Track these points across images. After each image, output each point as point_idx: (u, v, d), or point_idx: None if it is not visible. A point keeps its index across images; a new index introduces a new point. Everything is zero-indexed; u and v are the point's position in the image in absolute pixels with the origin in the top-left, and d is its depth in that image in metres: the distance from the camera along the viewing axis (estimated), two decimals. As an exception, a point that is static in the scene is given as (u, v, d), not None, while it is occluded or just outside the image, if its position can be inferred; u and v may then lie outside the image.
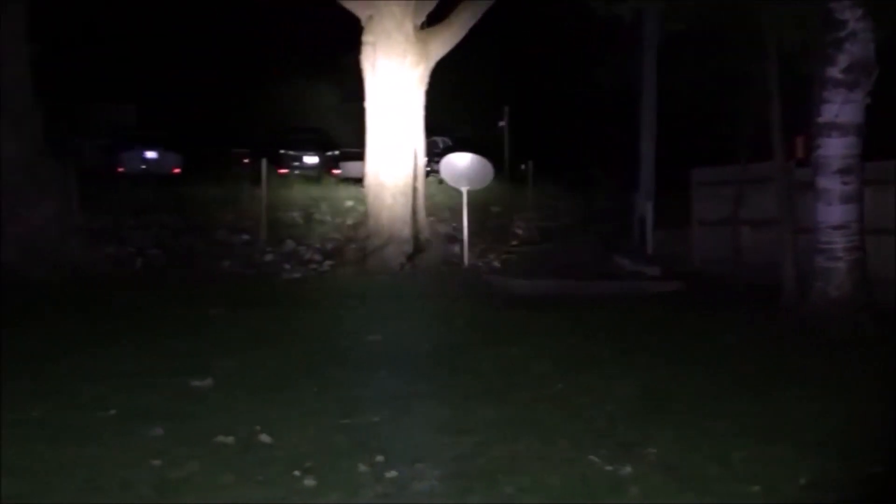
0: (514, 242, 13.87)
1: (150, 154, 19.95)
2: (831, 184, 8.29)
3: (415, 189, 12.81)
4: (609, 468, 4.39)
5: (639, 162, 14.16)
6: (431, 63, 12.95)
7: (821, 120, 8.32)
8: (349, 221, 14.14)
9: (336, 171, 22.64)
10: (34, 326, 7.53)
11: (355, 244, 12.67)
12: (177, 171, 19.93)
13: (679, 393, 5.82)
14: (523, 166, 20.97)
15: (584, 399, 5.66)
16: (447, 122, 19.37)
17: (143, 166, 18.76)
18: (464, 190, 12.70)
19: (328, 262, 12.19)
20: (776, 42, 9.11)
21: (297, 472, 4.20)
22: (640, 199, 13.97)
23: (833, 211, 8.28)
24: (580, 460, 4.48)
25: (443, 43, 13.11)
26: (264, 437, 4.72)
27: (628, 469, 4.37)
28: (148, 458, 4.34)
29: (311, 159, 23.10)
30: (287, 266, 11.84)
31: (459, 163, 12.94)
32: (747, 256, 11.21)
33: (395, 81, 12.42)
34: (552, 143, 19.75)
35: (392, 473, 4.23)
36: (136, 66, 36.03)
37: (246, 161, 25.66)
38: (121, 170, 19.16)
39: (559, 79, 20.04)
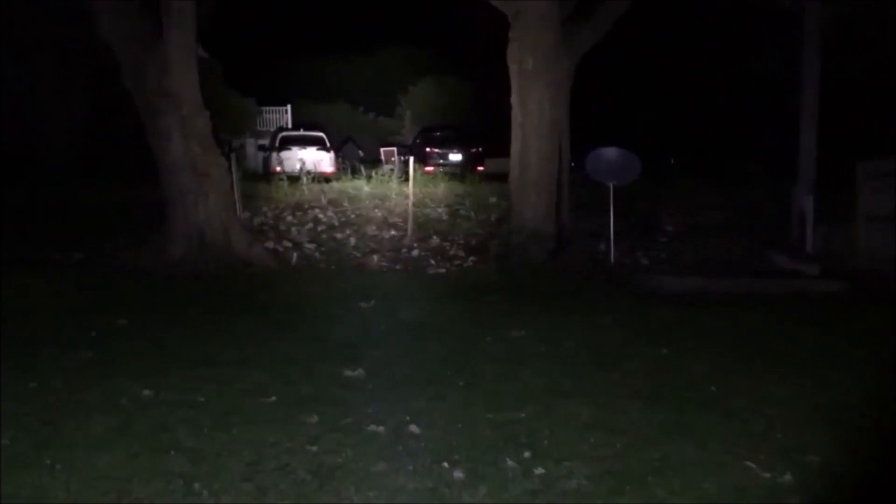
0: (663, 239, 13.46)
1: (305, 154, 20.79)
2: None
3: (559, 185, 12.69)
4: (767, 475, 4.20)
5: (797, 153, 13.36)
6: (577, 57, 12.80)
7: None
8: (493, 217, 14.20)
9: (480, 168, 22.86)
10: (203, 318, 8.01)
11: (498, 240, 12.70)
12: (330, 170, 20.67)
13: (843, 400, 5.47)
14: (672, 161, 20.38)
15: (739, 402, 5.43)
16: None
17: (297, 166, 19.59)
18: (610, 185, 12.46)
19: (472, 258, 12.28)
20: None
21: (445, 464, 4.28)
22: (800, 193, 13.19)
23: None
24: (735, 466, 4.32)
25: (589, 37, 12.91)
26: (413, 428, 4.83)
27: (788, 477, 4.16)
28: (305, 443, 4.55)
29: (455, 157, 23.43)
30: (432, 262, 12.03)
31: (605, 157, 12.70)
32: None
33: (541, 77, 12.34)
34: (702, 135, 19.02)
35: (540, 470, 4.23)
36: (290, 69, 37.82)
37: (393, 159, 26.41)
38: (277, 169, 20.09)
39: (709, 69, 19.26)
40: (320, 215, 14.03)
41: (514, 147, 12.79)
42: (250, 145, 28.32)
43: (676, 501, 3.87)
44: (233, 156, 13.56)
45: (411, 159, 14.58)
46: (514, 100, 12.84)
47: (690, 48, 19.14)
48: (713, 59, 18.62)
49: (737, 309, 8.85)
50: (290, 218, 13.87)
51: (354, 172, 18.44)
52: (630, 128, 16.84)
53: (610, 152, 12.90)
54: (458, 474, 4.17)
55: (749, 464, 4.33)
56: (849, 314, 8.74)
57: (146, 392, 5.39)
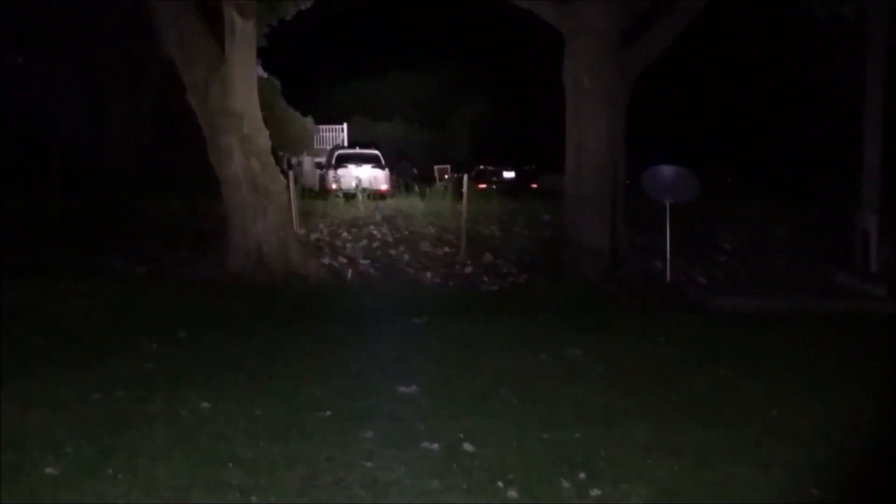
0: (721, 257, 13.22)
1: (361, 172, 21.05)
2: None
3: (614, 202, 12.58)
4: (832, 502, 4.07)
5: (862, 170, 13.01)
6: (635, 74, 12.71)
7: None
8: (546, 235, 14.14)
9: (533, 185, 22.86)
10: (261, 331, 8.13)
11: (552, 257, 12.63)
12: (385, 188, 20.89)
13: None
14: (729, 178, 20.04)
15: (802, 426, 5.29)
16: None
17: (353, 184, 19.86)
18: (667, 203, 12.30)
19: (525, 275, 12.23)
20: None
21: (500, 483, 4.25)
22: (864, 212, 12.82)
23: None
24: (800, 491, 4.20)
25: (647, 54, 12.82)
26: (467, 446, 4.81)
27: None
28: (360, 459, 4.56)
29: (508, 174, 23.49)
30: (485, 279, 12.01)
31: (664, 175, 12.53)
32: None
33: (596, 94, 12.29)
34: (763, 150, 18.67)
35: (596, 492, 4.17)
36: (347, 88, 38.38)
37: (447, 177, 26.58)
38: (333, 187, 20.37)
39: (771, 82, 18.92)
40: (375, 232, 14.16)
41: (569, 164, 12.73)
42: (307, 163, 28.82)
43: (737, 526, 3.77)
44: (291, 173, 13.79)
45: (465, 177, 14.63)
46: (568, 117, 12.80)
47: (753, 61, 18.84)
48: (775, 71, 18.29)
49: (798, 329, 8.63)
50: (345, 234, 14.03)
51: (408, 189, 18.58)
52: (689, 142, 16.62)
53: (668, 171, 12.72)
54: (513, 494, 4.14)
55: (813, 490, 4.20)
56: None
57: (205, 404, 5.48)
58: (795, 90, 17.25)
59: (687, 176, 12.65)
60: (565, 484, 4.25)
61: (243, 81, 11.85)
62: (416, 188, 18.40)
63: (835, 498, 4.10)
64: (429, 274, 12.11)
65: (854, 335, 8.39)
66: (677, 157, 13.60)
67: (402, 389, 6.02)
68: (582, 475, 4.37)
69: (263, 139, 12.07)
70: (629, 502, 4.03)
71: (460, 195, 15.20)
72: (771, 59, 17.96)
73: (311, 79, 34.77)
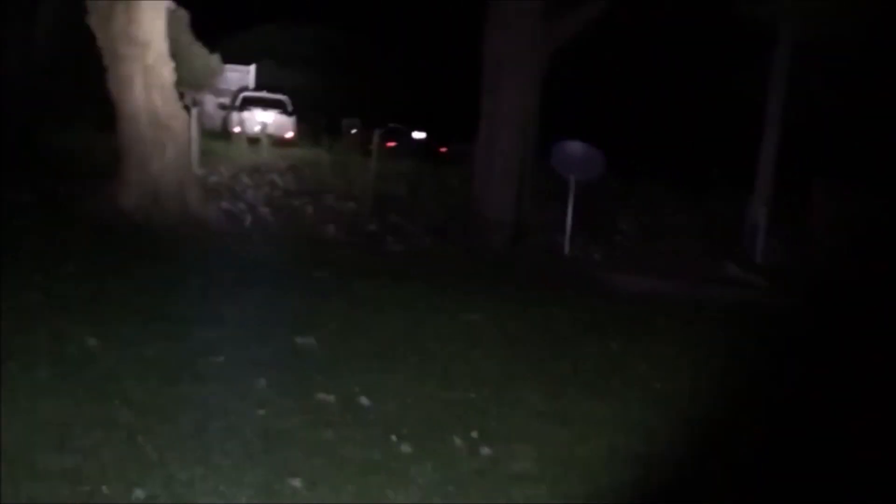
0: (618, 237, 13.61)
1: (266, 117, 20.49)
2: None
3: (523, 175, 12.73)
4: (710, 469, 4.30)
5: (758, 164, 13.64)
6: (551, 49, 12.80)
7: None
8: (453, 201, 14.18)
9: (442, 150, 22.86)
10: (153, 271, 7.85)
11: (458, 223, 12.69)
12: (290, 136, 20.43)
13: (779, 407, 5.62)
14: (633, 163, 20.59)
15: (682, 401, 5.54)
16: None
17: (256, 128, 19.34)
18: (572, 179, 12.54)
19: (430, 239, 12.25)
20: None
21: (394, 437, 4.27)
22: (755, 204, 13.46)
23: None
24: (681, 460, 4.41)
25: (565, 30, 12.94)
26: (363, 400, 4.82)
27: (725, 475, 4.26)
28: (253, 406, 4.50)
29: (419, 135, 23.39)
30: (390, 238, 11.96)
31: (572, 151, 12.76)
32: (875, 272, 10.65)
33: (513, 67, 12.34)
34: (666, 139, 19.27)
35: (486, 451, 4.26)
36: (259, 30, 37.14)
37: (354, 131, 26.23)
38: (236, 130, 19.77)
39: (684, 76, 19.50)
40: (277, 180, 13.85)
41: (482, 133, 12.76)
42: (209, 102, 27.76)
43: (624, 492, 3.92)
44: (194, 110, 13.30)
45: (376, 133, 14.47)
46: (484, 86, 12.80)
47: (668, 53, 19.35)
48: (689, 66, 18.86)
49: (684, 312, 8.99)
50: (246, 180, 13.66)
51: (316, 140, 18.26)
52: (598, 124, 16.97)
53: (575, 146, 12.96)
54: (406, 448, 4.17)
55: (692, 459, 4.42)
56: (794, 328, 8.94)
57: (92, 340, 5.27)
58: (704, 84, 17.87)
59: (593, 154, 12.92)
60: (458, 441, 4.32)
61: (150, 8, 11.27)
62: (326, 140, 18.07)
63: (712, 466, 4.32)
64: (331, 228, 11.96)
65: (734, 322, 8.79)
66: (586, 137, 13.85)
67: (300, 341, 5.95)
68: (474, 434, 4.45)
69: (168, 72, 11.53)
70: (518, 463, 4.12)
71: (369, 151, 15.06)
72: (689, 54, 18.51)
73: (221, 15, 33.38)
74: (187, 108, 12.19)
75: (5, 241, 8.54)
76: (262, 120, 20.09)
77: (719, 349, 7.36)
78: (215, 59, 28.09)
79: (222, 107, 23.90)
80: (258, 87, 25.65)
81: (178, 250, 9.22)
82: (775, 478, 4.31)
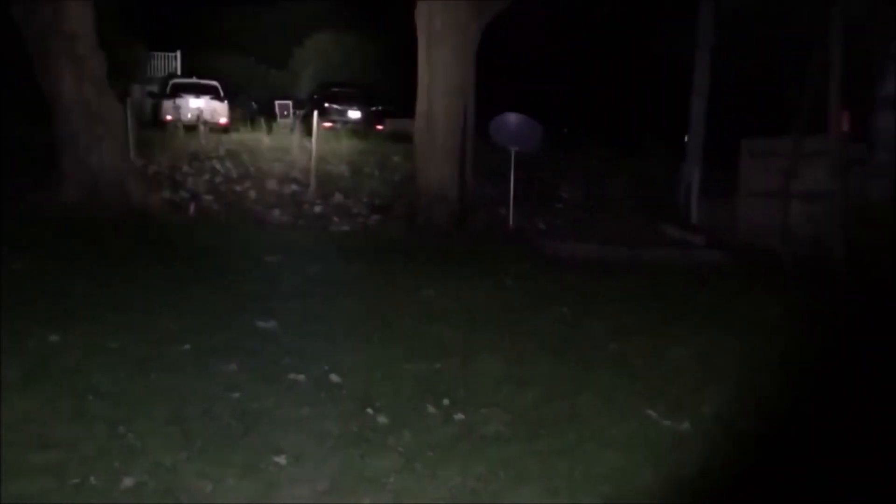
0: (560, 206, 13.89)
1: (198, 103, 20.14)
2: (890, 158, 8.26)
3: (463, 149, 12.86)
4: (667, 423, 4.54)
5: (689, 129, 14.05)
6: (486, 20, 12.89)
7: (882, 94, 8.26)
8: (396, 177, 14.25)
9: (379, 127, 22.77)
10: (104, 264, 7.77)
11: (403, 200, 12.78)
12: (224, 121, 20.13)
13: (729, 356, 5.92)
14: (565, 129, 20.89)
15: (638, 359, 5.80)
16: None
17: (190, 115, 18.98)
18: (512, 151, 12.73)
19: (375, 217, 12.32)
20: (842, 13, 9.01)
21: (369, 410, 4.41)
22: (687, 167, 13.89)
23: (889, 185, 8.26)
24: (638, 415, 4.64)
25: (497, 2, 13.04)
26: (334, 377, 4.93)
27: (686, 425, 4.51)
28: (226, 391, 4.57)
29: (354, 114, 23.23)
30: (335, 219, 11.99)
31: (509, 123, 12.94)
32: (795, 229, 11.16)
33: (448, 38, 12.39)
34: (601, 108, 19.59)
35: (459, 416, 4.42)
36: (181, 14, 36.23)
37: (286, 113, 25.92)
38: (168, 118, 19.39)
39: (610, 42, 19.80)
40: (218, 166, 13.69)
41: (420, 108, 12.80)
42: (137, 91, 27.08)
43: (587, 445, 4.13)
44: (129, 101, 13.04)
45: (315, 113, 14.38)
46: (420, 60, 12.84)
47: (600, 21, 19.62)
48: (620, 33, 19.16)
49: (630, 274, 9.33)
50: (186, 168, 13.47)
51: (252, 124, 18.04)
52: (536, 97, 17.20)
53: (512, 118, 13.15)
54: (383, 419, 4.31)
55: (651, 413, 4.66)
56: (730, 281, 9.34)
57: (53, 337, 5.25)
58: (633, 49, 18.21)
59: (531, 125, 13.14)
60: (431, 410, 4.48)
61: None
62: (263, 123, 17.87)
63: (668, 419, 4.56)
64: (277, 212, 11.93)
65: (678, 279, 9.16)
66: (522, 109, 14.05)
67: (262, 325, 6.02)
68: (445, 402, 4.61)
69: (98, 63, 11.30)
70: (490, 426, 4.30)
71: (307, 133, 14.98)
72: (621, 21, 18.79)
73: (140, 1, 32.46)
74: (120, 99, 11.94)
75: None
76: (195, 106, 19.72)
77: (666, 306, 7.67)
78: (140, 46, 27.44)
79: (151, 95, 23.35)
80: (188, 74, 25.07)
81: (125, 243, 9.11)
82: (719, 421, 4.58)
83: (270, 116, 23.65)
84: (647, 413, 4.66)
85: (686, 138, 14.54)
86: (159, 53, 30.49)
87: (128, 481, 3.42)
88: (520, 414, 4.51)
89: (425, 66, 12.74)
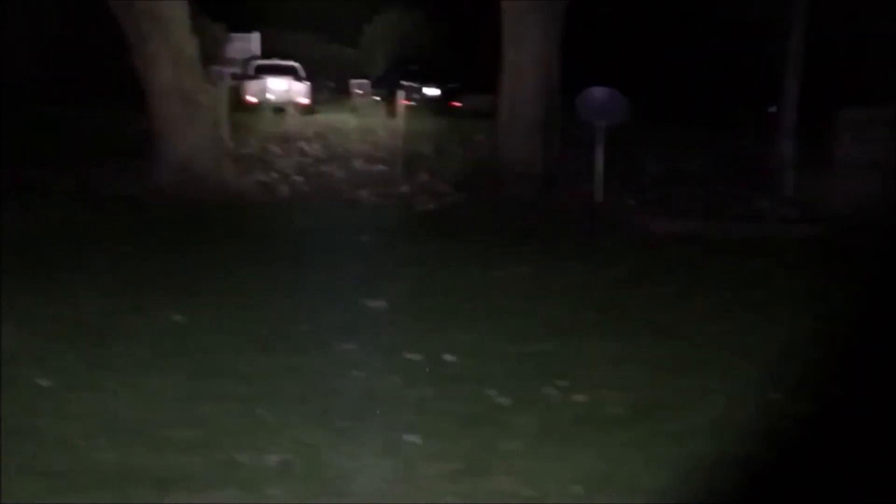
0: (648, 181, 13.65)
1: (280, 84, 20.46)
2: None
3: (549, 124, 12.76)
4: (789, 406, 4.47)
5: (781, 100, 13.60)
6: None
7: None
8: (480, 155, 14.24)
9: (456, 104, 22.77)
10: (207, 246, 8.03)
11: (487, 178, 12.76)
12: (306, 102, 20.41)
13: (836, 334, 5.76)
14: (644, 103, 20.50)
15: (750, 339, 5.69)
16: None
17: (273, 97, 19.34)
18: (599, 125, 12.55)
19: (460, 195, 12.34)
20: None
21: (489, 391, 4.45)
22: (781, 139, 13.47)
23: None
24: (760, 399, 4.57)
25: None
26: (448, 357, 4.99)
27: (808, 408, 4.43)
28: (350, 369, 4.69)
29: (431, 91, 23.30)
30: (422, 197, 12.06)
31: (596, 97, 12.73)
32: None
33: (534, 13, 12.30)
34: (681, 77, 19.14)
35: (580, 397, 4.43)
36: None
37: (360, 92, 26.10)
38: (252, 100, 19.77)
39: (703, 13, 19.29)
40: (306, 148, 13.93)
41: (505, 85, 12.76)
42: (216, 73, 27.68)
43: (713, 427, 4.09)
44: (222, 84, 13.34)
45: (400, 93, 14.47)
46: (504, 35, 12.75)
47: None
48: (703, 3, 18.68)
49: (727, 249, 9.13)
50: (275, 149, 13.74)
51: (333, 104, 18.27)
52: (620, 68, 16.87)
53: (598, 92, 12.92)
54: (503, 400, 4.35)
55: (773, 396, 4.58)
56: (833, 257, 9.07)
57: (178, 317, 5.46)
58: (720, 21, 17.71)
59: (618, 98, 12.89)
60: (550, 391, 4.49)
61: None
62: (344, 103, 18.06)
63: (791, 407, 4.48)
64: (365, 192, 12.07)
65: (779, 255, 8.93)
66: (605, 81, 13.82)
67: (372, 304, 6.12)
68: (562, 383, 4.61)
69: (192, 47, 11.60)
70: (615, 406, 4.30)
71: (390, 112, 15.08)
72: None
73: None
74: (213, 82, 12.23)
75: (57, 228, 8.74)
76: (278, 88, 20.06)
77: (770, 283, 7.51)
78: (219, 27, 27.99)
79: (233, 76, 23.83)
80: (267, 55, 25.50)
81: (223, 225, 9.37)
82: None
83: (346, 95, 23.90)
84: (770, 397, 4.59)
85: (771, 109, 14.10)
86: (237, 34, 31.06)
87: (273, 458, 3.54)
88: (641, 395, 4.49)
89: (510, 43, 12.66)
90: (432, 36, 33.08)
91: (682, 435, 3.97)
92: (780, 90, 13.62)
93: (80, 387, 4.16)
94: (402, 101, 20.31)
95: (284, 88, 20.08)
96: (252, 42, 31.76)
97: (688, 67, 19.39)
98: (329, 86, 28.22)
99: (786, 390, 4.64)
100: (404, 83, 22.71)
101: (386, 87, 22.24)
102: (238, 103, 20.67)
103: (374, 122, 15.97)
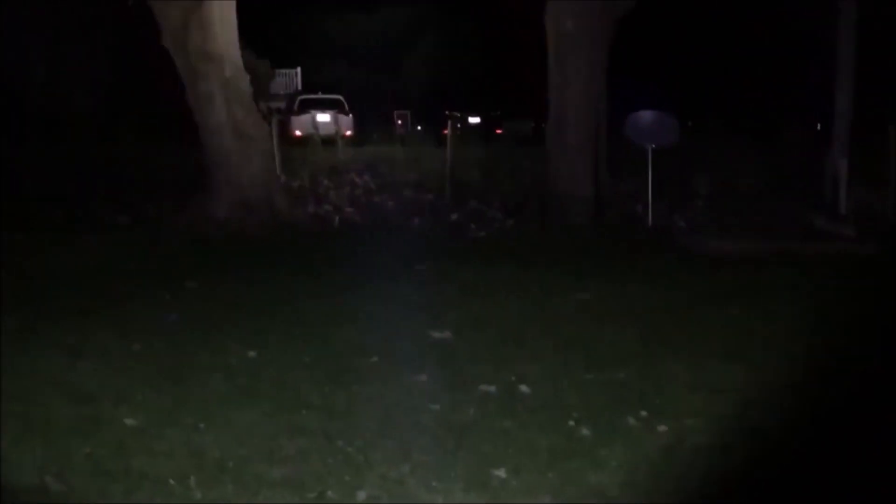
0: (699, 201, 13.54)
1: (326, 117, 20.79)
2: None
3: (597, 147, 12.74)
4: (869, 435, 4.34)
5: (833, 116, 13.41)
6: (619, 17, 12.73)
7: None
8: (528, 180, 14.24)
9: (498, 131, 22.91)
10: (268, 278, 8.11)
11: (537, 203, 12.76)
12: (349, 133, 20.69)
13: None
14: (690, 123, 20.37)
15: (829, 365, 5.57)
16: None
17: (320, 130, 19.65)
18: (649, 148, 12.51)
19: (511, 222, 12.35)
20: None
21: (570, 422, 4.41)
22: (834, 156, 13.26)
23: None
24: (842, 426, 4.46)
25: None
26: (524, 388, 4.96)
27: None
28: (425, 402, 4.67)
29: (473, 119, 23.49)
30: (473, 225, 12.09)
31: (645, 120, 12.72)
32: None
33: (580, 38, 12.32)
34: (735, 95, 19.00)
35: (662, 427, 4.36)
36: (296, 29, 37.38)
37: (399, 123, 26.37)
38: (298, 133, 20.09)
39: (749, 29, 19.18)
40: (356, 179, 14.07)
41: (553, 111, 12.79)
42: (262, 108, 28.19)
43: (818, 457, 4.00)
44: (273, 119, 13.58)
45: (449, 122, 14.58)
46: (550, 62, 12.80)
47: (728, 8, 19.04)
48: (751, 19, 18.55)
49: (787, 270, 8.96)
50: (326, 182, 13.91)
51: (382, 136, 18.50)
52: (668, 90, 16.86)
53: (647, 115, 12.92)
54: (585, 432, 4.31)
55: (853, 423, 4.47)
56: (890, 275, 8.87)
57: (251, 353, 5.51)
58: (769, 37, 17.57)
59: (667, 120, 12.86)
60: (631, 421, 4.44)
61: (223, 22, 11.54)
62: (391, 134, 18.27)
63: (871, 430, 4.36)
64: (416, 220, 12.14)
65: (837, 276, 8.76)
66: (647, 101, 13.80)
67: (436, 335, 6.12)
68: (643, 412, 4.55)
69: (245, 83, 11.86)
70: (700, 436, 4.22)
71: (438, 141, 15.17)
72: (746, 7, 18.19)
73: (264, 18, 33.72)
74: (266, 117, 12.46)
75: (119, 265, 8.92)
76: (323, 121, 20.40)
77: (836, 303, 7.36)
78: (264, 64, 28.55)
79: (279, 111, 24.30)
80: (312, 89, 25.98)
81: (281, 257, 9.48)
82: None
83: (391, 125, 24.14)
84: (849, 424, 4.47)
85: (819, 126, 13.91)
86: (281, 70, 31.65)
87: (361, 495, 3.55)
88: (723, 423, 4.41)
89: (556, 68, 12.70)
90: (471, 63, 33.32)
91: (779, 464, 3.89)
92: (831, 105, 13.44)
93: (165, 424, 4.21)
94: (445, 130, 20.52)
95: (330, 121, 20.39)
96: (295, 77, 32.33)
97: (735, 81, 19.25)
98: (373, 117, 28.56)
99: (867, 417, 4.53)
100: (447, 112, 22.91)
101: (429, 116, 22.46)
102: (286, 138, 21.10)
103: (420, 151, 16.08)
